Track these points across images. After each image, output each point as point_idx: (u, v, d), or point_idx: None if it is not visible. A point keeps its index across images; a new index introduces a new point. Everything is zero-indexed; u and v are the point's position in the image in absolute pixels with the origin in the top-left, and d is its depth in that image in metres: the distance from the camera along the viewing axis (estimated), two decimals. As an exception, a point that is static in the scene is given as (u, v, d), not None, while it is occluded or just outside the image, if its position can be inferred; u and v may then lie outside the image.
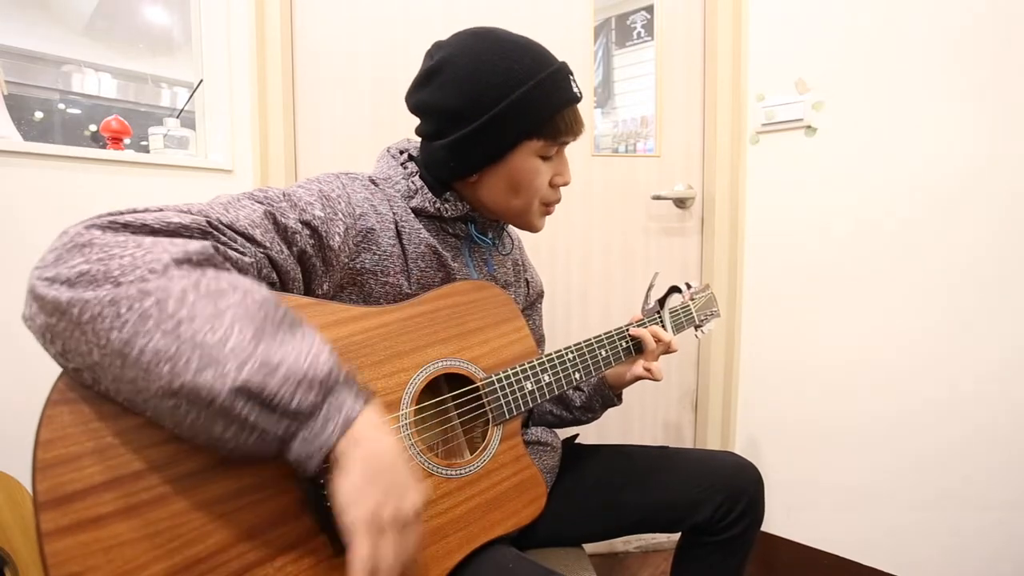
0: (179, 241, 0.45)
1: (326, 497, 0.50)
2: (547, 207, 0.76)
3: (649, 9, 1.40)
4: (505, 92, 0.64)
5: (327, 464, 0.44)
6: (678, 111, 1.43)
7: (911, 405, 1.16)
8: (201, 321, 0.41)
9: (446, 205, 0.71)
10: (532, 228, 0.77)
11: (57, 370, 0.44)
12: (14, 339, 0.98)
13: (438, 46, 0.70)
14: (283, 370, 0.42)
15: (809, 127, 1.27)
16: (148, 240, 0.44)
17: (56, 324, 0.41)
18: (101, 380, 0.42)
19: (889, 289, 1.18)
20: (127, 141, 1.23)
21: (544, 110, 0.66)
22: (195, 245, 0.45)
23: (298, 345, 0.44)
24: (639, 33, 1.41)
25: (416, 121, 0.74)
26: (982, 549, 1.09)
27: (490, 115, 0.65)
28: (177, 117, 1.25)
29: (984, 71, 1.05)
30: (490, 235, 0.78)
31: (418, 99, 0.70)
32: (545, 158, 0.70)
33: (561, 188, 0.75)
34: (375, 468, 0.44)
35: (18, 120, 1.08)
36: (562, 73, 0.68)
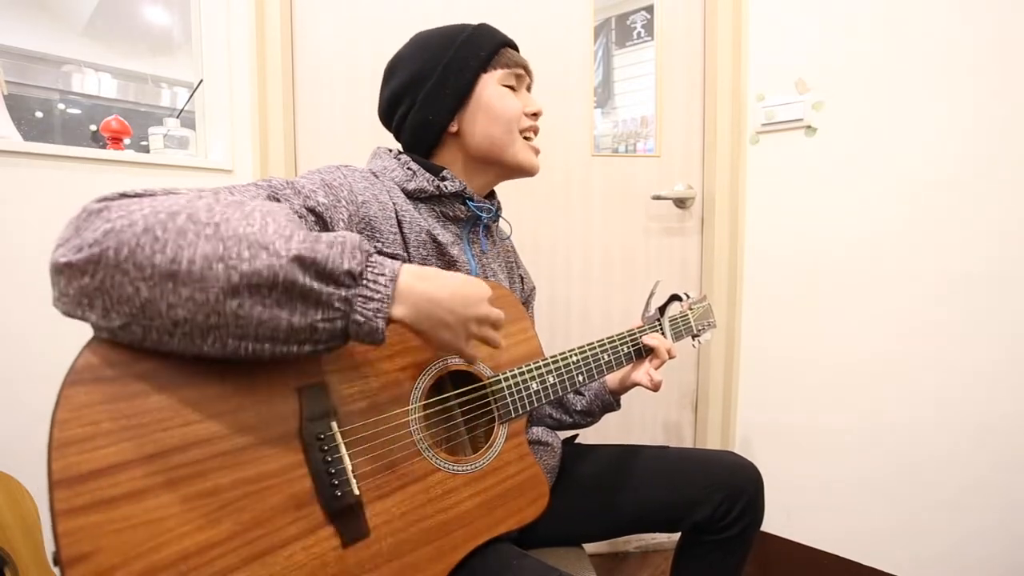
0: (191, 192, 0.48)
1: (337, 487, 0.51)
2: (528, 138, 0.80)
3: (649, 9, 1.40)
4: (451, 43, 0.75)
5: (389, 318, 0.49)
6: (678, 111, 1.43)
7: (911, 405, 1.16)
8: (236, 220, 0.44)
9: (444, 183, 0.74)
10: (523, 163, 0.79)
11: (59, 367, 0.44)
12: (15, 339, 0.99)
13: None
14: (325, 239, 0.46)
15: (809, 127, 1.27)
16: (161, 195, 0.46)
17: (92, 281, 0.41)
18: (153, 321, 0.42)
19: (889, 289, 1.18)
20: (127, 141, 1.23)
21: (486, 47, 0.76)
22: (206, 191, 0.49)
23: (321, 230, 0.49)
24: (639, 33, 1.41)
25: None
26: (982, 549, 1.09)
27: (443, 64, 0.74)
28: (177, 117, 1.25)
29: (984, 71, 1.05)
30: (488, 205, 0.80)
31: (386, 94, 0.79)
32: (508, 87, 0.78)
33: (536, 120, 0.81)
34: (441, 320, 0.53)
35: (18, 120, 1.08)
36: (488, 25, 0.79)
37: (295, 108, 1.27)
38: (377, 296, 0.47)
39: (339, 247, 0.46)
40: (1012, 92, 1.02)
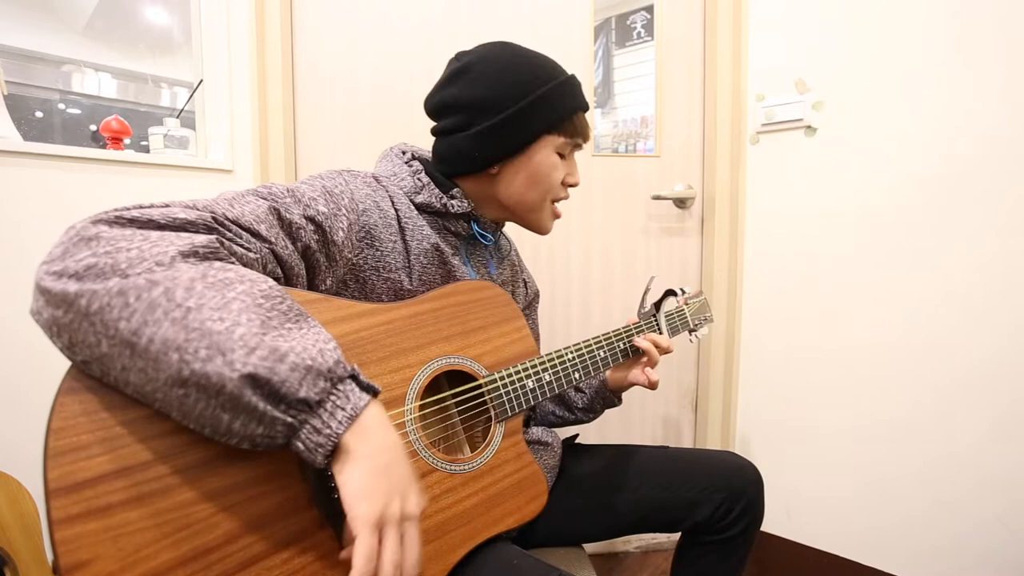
0: (185, 235, 0.46)
1: (334, 489, 0.50)
2: (556, 207, 0.79)
3: (649, 9, 1.40)
4: (531, 88, 0.70)
5: (333, 456, 0.44)
6: (678, 111, 1.43)
7: (911, 405, 1.16)
8: (209, 310, 0.41)
9: (452, 201, 0.73)
10: (542, 228, 0.79)
11: (58, 368, 0.44)
12: (14, 340, 0.99)
13: (463, 52, 0.75)
14: (291, 359, 0.42)
15: (809, 127, 1.27)
16: (154, 234, 0.44)
17: (63, 317, 0.41)
18: (109, 371, 0.42)
19: (889, 289, 1.18)
20: (127, 141, 1.23)
21: (564, 108, 0.72)
22: (201, 239, 0.46)
23: (305, 336, 0.45)
24: (639, 33, 1.41)
25: (426, 125, 0.77)
26: (982, 549, 1.09)
27: (518, 107, 0.69)
28: (177, 117, 1.25)
29: (984, 70, 1.05)
30: (490, 235, 0.79)
31: (444, 95, 0.73)
32: (560, 156, 0.75)
33: (569, 190, 0.79)
34: (382, 464, 0.45)
35: (18, 120, 1.08)
36: (576, 80, 0.75)
37: (295, 108, 1.27)
38: (326, 431, 0.43)
39: (302, 371, 0.42)
40: (1013, 92, 1.02)
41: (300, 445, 0.43)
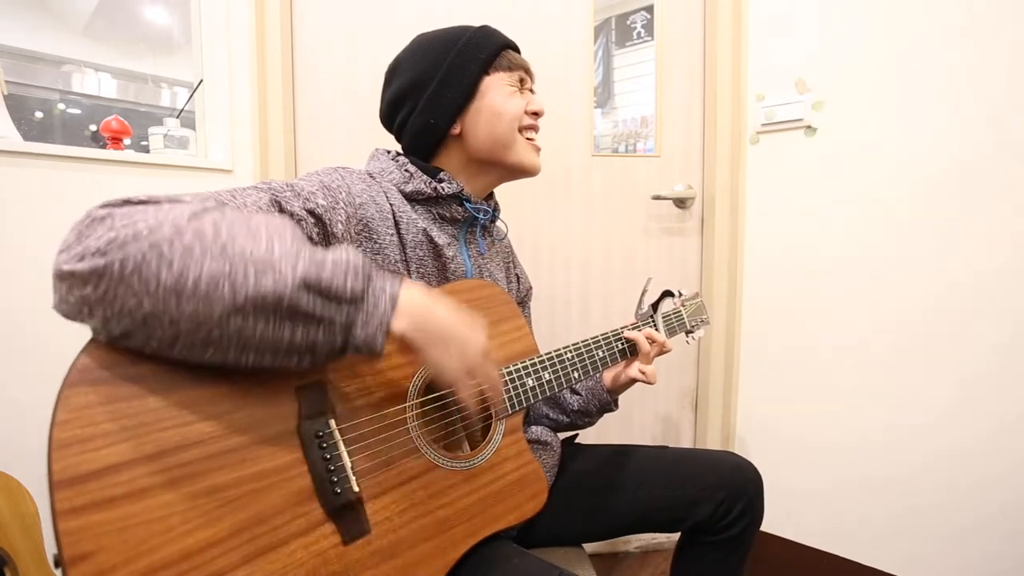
0: (195, 203, 0.48)
1: (336, 483, 0.51)
2: (530, 138, 0.80)
3: (649, 9, 1.40)
4: (450, 48, 0.75)
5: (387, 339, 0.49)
6: (678, 111, 1.43)
7: (911, 404, 1.16)
8: (242, 240, 0.44)
9: (442, 184, 0.74)
10: (525, 163, 0.79)
11: (59, 367, 0.44)
12: (15, 339, 0.99)
13: (392, 60, 0.82)
14: (329, 262, 0.46)
15: (809, 127, 1.27)
16: (165, 204, 0.46)
17: (94, 293, 0.41)
18: (155, 332, 0.43)
19: (889, 289, 1.18)
20: (127, 141, 1.23)
21: (488, 49, 0.76)
22: (209, 202, 0.49)
23: (326, 248, 0.49)
24: (639, 33, 1.41)
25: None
26: (982, 549, 1.09)
27: (446, 65, 0.75)
28: (177, 117, 1.25)
29: (985, 70, 1.05)
30: (485, 206, 0.80)
31: (387, 97, 0.80)
32: (511, 88, 0.78)
33: (537, 120, 0.81)
34: (439, 337, 0.53)
35: (18, 120, 1.08)
36: (490, 28, 0.79)
37: (295, 108, 1.27)
38: (377, 316, 0.48)
39: (343, 267, 0.46)
40: (1013, 91, 1.02)
41: (358, 340, 0.48)
